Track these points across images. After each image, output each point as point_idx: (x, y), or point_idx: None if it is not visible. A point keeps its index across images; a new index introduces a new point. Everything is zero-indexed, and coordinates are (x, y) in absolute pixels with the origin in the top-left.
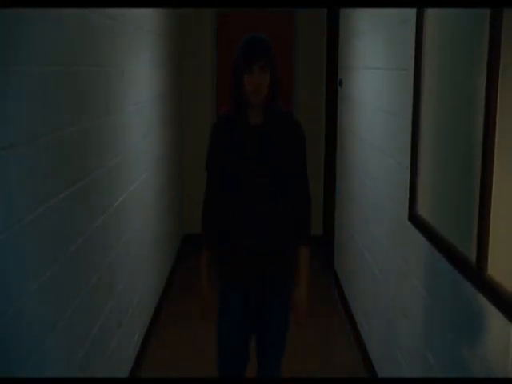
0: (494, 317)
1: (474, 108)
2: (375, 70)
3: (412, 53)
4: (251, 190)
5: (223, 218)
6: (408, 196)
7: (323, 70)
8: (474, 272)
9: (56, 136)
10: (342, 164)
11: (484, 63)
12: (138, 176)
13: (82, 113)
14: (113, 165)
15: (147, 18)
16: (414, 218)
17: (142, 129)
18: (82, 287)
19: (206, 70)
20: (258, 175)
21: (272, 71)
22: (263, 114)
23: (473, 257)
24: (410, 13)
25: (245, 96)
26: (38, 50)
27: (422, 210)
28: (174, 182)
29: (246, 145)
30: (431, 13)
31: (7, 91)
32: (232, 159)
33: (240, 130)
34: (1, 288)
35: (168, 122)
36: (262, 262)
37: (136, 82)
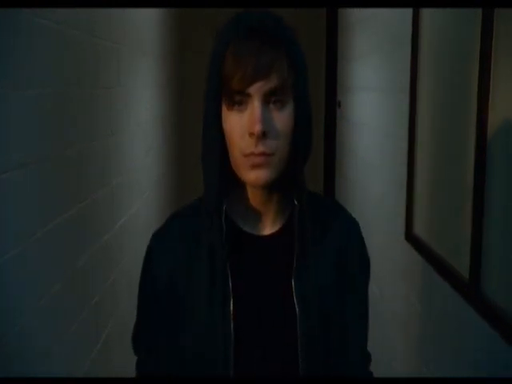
0: (486, 332)
1: (469, 129)
2: (373, 91)
3: (409, 75)
4: None
5: None
6: (405, 215)
7: (322, 92)
8: (468, 288)
9: (63, 156)
10: (341, 184)
11: (476, 84)
12: (141, 194)
13: (87, 133)
14: (117, 184)
15: (150, 40)
16: (410, 237)
17: (145, 148)
18: (86, 304)
19: None
20: (271, 354)
21: (301, 98)
22: (279, 210)
23: (466, 274)
24: (408, 35)
25: (232, 165)
26: (43, 73)
27: (419, 229)
28: (174, 200)
29: (239, 289)
30: (426, 36)
31: (23, 114)
32: (201, 321)
33: (219, 249)
34: (10, 302)
35: (169, 141)
36: None
37: (138, 103)
